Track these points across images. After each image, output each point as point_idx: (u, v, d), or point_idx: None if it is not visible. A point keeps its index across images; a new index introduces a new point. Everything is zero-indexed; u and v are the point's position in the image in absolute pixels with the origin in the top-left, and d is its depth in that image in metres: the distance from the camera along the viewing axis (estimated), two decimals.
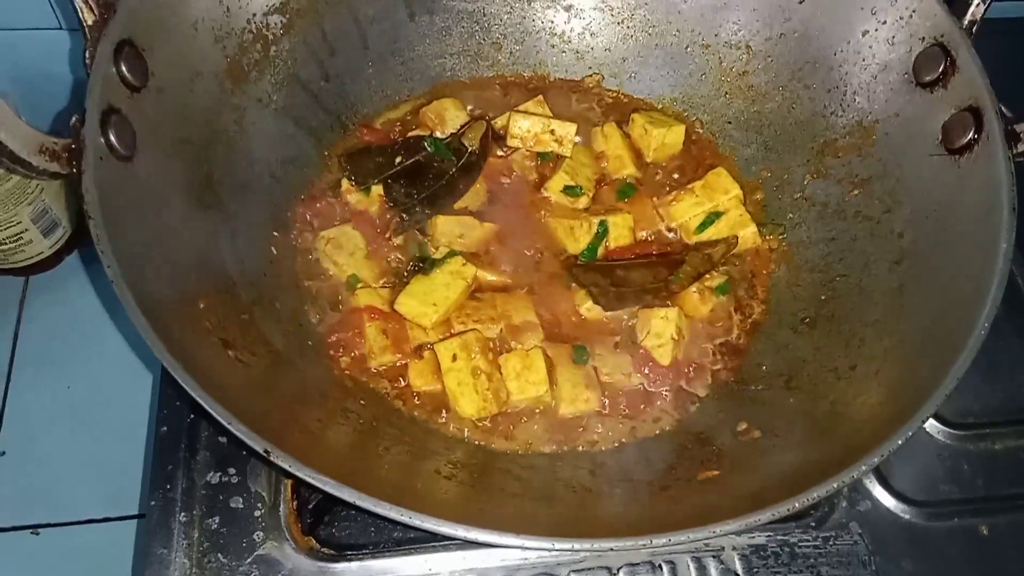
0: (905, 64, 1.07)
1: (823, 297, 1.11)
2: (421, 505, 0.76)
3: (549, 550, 0.74)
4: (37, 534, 1.35)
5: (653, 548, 0.78)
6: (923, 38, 1.05)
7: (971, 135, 0.97)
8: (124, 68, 0.89)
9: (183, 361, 0.76)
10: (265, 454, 0.74)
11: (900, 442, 0.80)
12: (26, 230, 1.41)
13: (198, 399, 0.75)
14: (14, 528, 1.35)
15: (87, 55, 0.87)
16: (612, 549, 0.73)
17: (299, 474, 0.73)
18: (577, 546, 0.73)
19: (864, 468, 0.79)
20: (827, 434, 0.93)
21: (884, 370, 0.95)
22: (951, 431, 1.15)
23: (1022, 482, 1.13)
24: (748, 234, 1.18)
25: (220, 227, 1.02)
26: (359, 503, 0.73)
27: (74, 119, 0.84)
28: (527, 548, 0.74)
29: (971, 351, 0.84)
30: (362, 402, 1.02)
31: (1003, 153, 0.94)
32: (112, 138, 0.86)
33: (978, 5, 1.00)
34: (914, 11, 1.05)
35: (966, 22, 1.01)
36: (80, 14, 0.88)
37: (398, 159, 1.19)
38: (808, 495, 0.77)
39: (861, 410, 0.93)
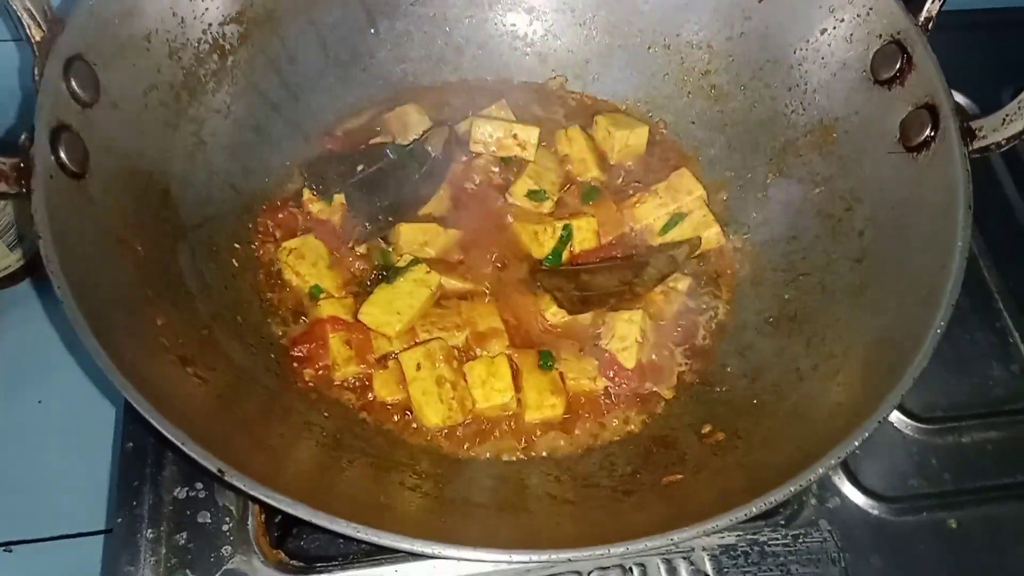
0: (863, 62, 1.07)
1: (786, 296, 1.11)
2: (381, 520, 0.76)
3: (507, 563, 0.74)
4: (10, 551, 1.34)
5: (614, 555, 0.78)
6: (880, 35, 1.05)
7: (928, 132, 0.98)
8: (75, 84, 0.89)
9: (136, 381, 0.76)
10: (219, 474, 0.73)
11: (856, 444, 0.81)
12: None
13: (150, 419, 0.74)
14: None
15: (36, 72, 0.86)
16: (569, 560, 0.73)
17: (253, 493, 0.73)
18: (535, 558, 0.74)
19: (821, 471, 0.79)
20: (789, 435, 0.93)
21: (844, 370, 0.96)
22: (918, 425, 1.16)
23: (990, 475, 1.13)
24: (712, 234, 1.18)
25: (178, 242, 1.02)
26: (314, 520, 0.73)
27: (23, 137, 0.83)
28: (485, 561, 0.74)
29: (926, 353, 0.84)
30: (326, 415, 1.02)
31: (959, 150, 0.94)
32: (63, 155, 0.85)
33: (933, 2, 1.01)
34: (871, 8, 1.06)
35: (922, 19, 1.02)
36: (28, 31, 0.87)
37: (360, 167, 1.18)
38: (765, 499, 0.77)
39: (822, 410, 0.93)
